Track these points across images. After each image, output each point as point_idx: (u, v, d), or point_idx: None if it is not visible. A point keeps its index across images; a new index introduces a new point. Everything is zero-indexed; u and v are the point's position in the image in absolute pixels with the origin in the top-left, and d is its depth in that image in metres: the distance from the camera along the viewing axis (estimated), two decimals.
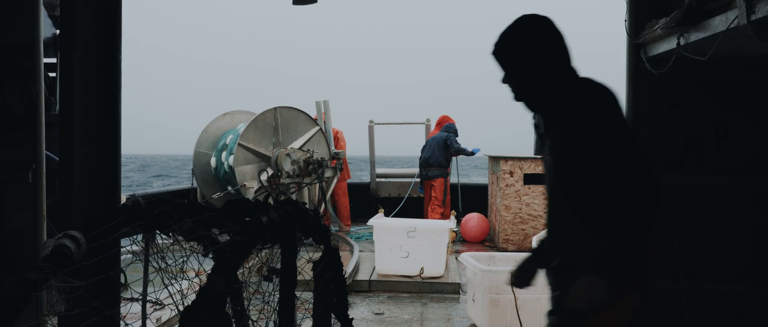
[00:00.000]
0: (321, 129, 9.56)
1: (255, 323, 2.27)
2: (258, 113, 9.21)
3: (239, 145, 8.77)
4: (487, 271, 5.26)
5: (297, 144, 9.21)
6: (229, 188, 9.13)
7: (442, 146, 10.63)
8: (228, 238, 2.00)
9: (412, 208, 11.34)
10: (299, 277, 2.38)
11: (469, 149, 10.85)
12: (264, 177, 8.73)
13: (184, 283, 2.30)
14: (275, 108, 9.20)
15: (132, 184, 39.95)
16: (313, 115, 10.19)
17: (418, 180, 11.40)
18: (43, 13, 3.29)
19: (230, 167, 8.94)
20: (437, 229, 7.18)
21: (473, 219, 10.18)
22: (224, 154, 9.37)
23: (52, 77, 6.83)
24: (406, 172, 12.50)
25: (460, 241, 10.15)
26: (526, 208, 9.52)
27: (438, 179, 10.65)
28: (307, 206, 2.38)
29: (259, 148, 8.95)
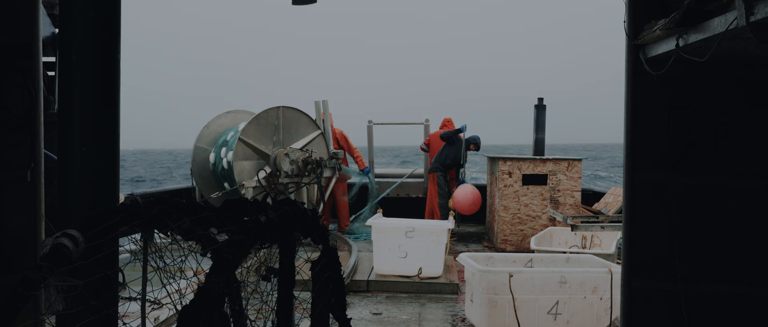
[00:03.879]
0: (322, 133, 9.54)
1: (253, 323, 2.27)
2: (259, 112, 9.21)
3: (240, 140, 8.76)
4: (485, 271, 5.26)
5: (297, 146, 9.20)
6: (227, 186, 9.12)
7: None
8: (226, 237, 2.00)
9: (412, 207, 11.34)
10: (297, 277, 2.38)
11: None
12: (262, 175, 8.72)
13: (183, 283, 2.30)
14: (278, 107, 9.19)
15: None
16: (313, 115, 10.19)
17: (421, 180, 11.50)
18: (42, 12, 3.29)
19: (229, 164, 8.93)
20: (436, 229, 7.18)
21: (466, 189, 10.14)
22: (223, 150, 9.36)
23: (51, 76, 6.83)
24: (405, 171, 12.50)
25: (459, 238, 10.15)
26: (524, 209, 9.52)
27: (431, 173, 10.75)
28: (305, 206, 2.37)
29: (259, 145, 8.94)
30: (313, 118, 9.82)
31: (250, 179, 8.77)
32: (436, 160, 10.72)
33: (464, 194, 10.03)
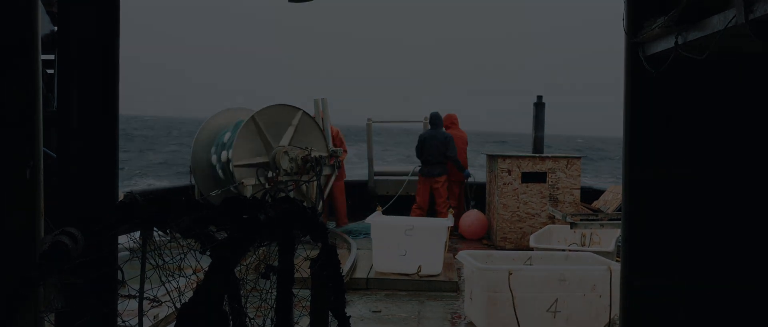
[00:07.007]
0: (304, 112, 9.44)
1: (252, 321, 2.27)
2: (256, 111, 9.20)
3: (235, 167, 8.78)
4: (484, 269, 5.26)
5: (286, 138, 9.16)
6: (230, 187, 9.12)
7: (442, 145, 10.59)
8: (225, 235, 2.00)
9: (409, 206, 11.33)
10: (297, 275, 2.38)
11: (465, 171, 10.85)
12: (263, 179, 8.76)
13: (182, 281, 2.30)
14: (300, 109, 9.30)
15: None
16: (312, 113, 10.18)
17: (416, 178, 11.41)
18: (40, 10, 3.29)
19: (230, 172, 8.94)
20: (435, 227, 7.19)
21: (471, 216, 10.18)
22: (224, 154, 9.34)
23: (50, 74, 6.83)
24: (404, 169, 12.50)
25: (459, 236, 10.14)
26: (523, 207, 9.52)
27: (442, 177, 10.62)
28: (305, 204, 2.37)
29: (254, 160, 8.94)
30: (312, 115, 9.82)
31: (250, 178, 8.78)
32: (459, 162, 10.65)
33: (469, 224, 10.10)
